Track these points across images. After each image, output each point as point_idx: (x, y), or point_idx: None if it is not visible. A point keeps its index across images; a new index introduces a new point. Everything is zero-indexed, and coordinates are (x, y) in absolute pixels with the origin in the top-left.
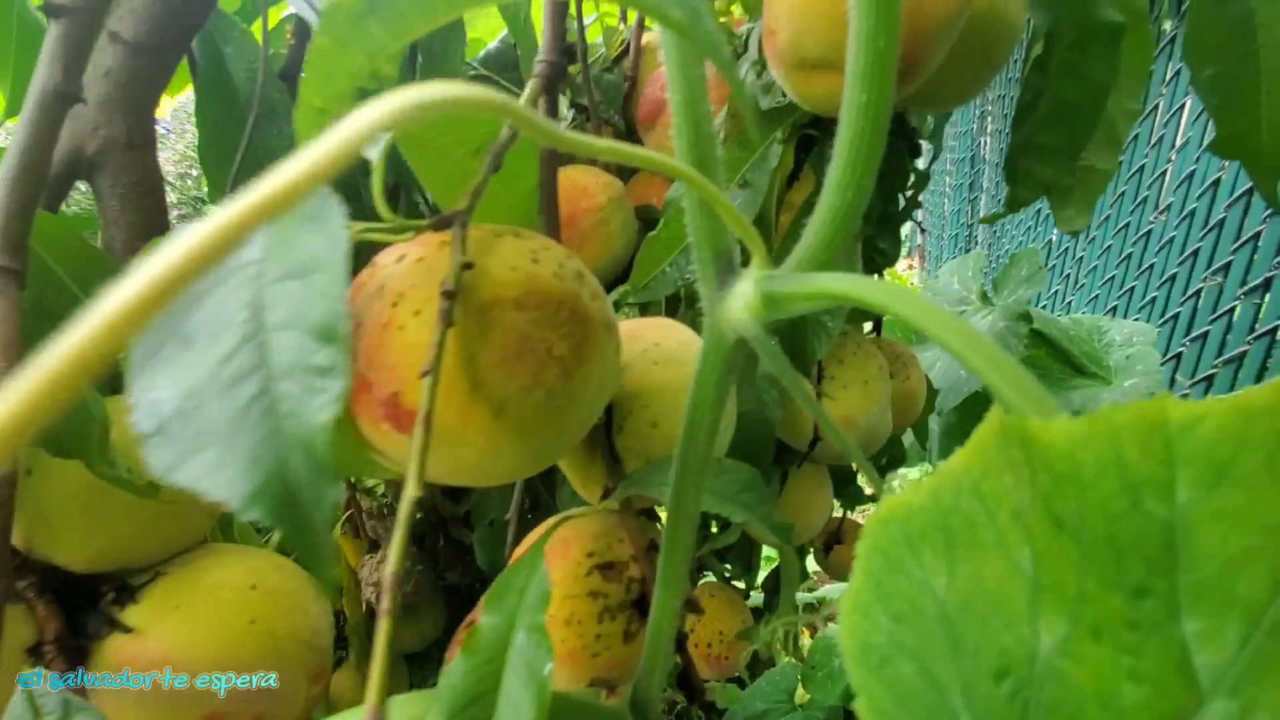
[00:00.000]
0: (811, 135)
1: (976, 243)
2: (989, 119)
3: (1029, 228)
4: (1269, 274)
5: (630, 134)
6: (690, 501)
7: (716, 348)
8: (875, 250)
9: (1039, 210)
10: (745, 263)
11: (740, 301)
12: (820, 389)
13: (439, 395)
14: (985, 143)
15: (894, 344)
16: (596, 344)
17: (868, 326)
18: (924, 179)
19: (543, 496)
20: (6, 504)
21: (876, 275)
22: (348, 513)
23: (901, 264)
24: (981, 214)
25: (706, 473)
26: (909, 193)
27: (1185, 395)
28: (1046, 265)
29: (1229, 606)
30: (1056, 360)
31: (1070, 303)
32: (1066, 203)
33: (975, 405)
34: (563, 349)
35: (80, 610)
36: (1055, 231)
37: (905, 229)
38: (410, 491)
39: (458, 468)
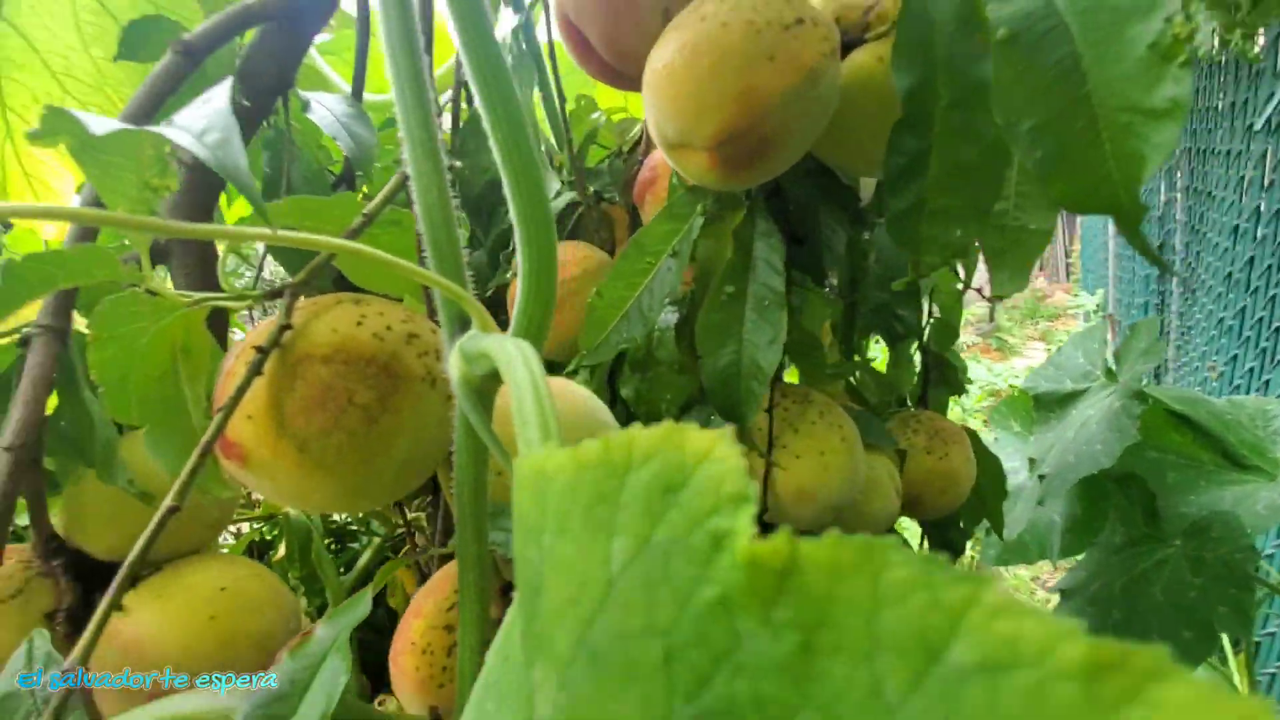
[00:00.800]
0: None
1: (1170, 309)
2: (1178, 174)
3: (1219, 294)
4: None
5: (634, 212)
6: (471, 546)
7: (461, 403)
8: (894, 318)
9: (1229, 274)
10: None
11: (454, 358)
12: (771, 458)
13: (254, 433)
14: (1176, 200)
15: (935, 419)
16: (410, 396)
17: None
18: None
19: None
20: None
21: (896, 342)
22: (405, 548)
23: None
24: (1176, 279)
25: (484, 519)
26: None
27: None
28: (1239, 336)
29: (551, 658)
30: (1208, 449)
31: (1268, 381)
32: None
33: (1100, 498)
34: (366, 398)
35: (95, 589)
36: (1250, 296)
37: (1097, 298)
38: (168, 501)
39: (284, 494)
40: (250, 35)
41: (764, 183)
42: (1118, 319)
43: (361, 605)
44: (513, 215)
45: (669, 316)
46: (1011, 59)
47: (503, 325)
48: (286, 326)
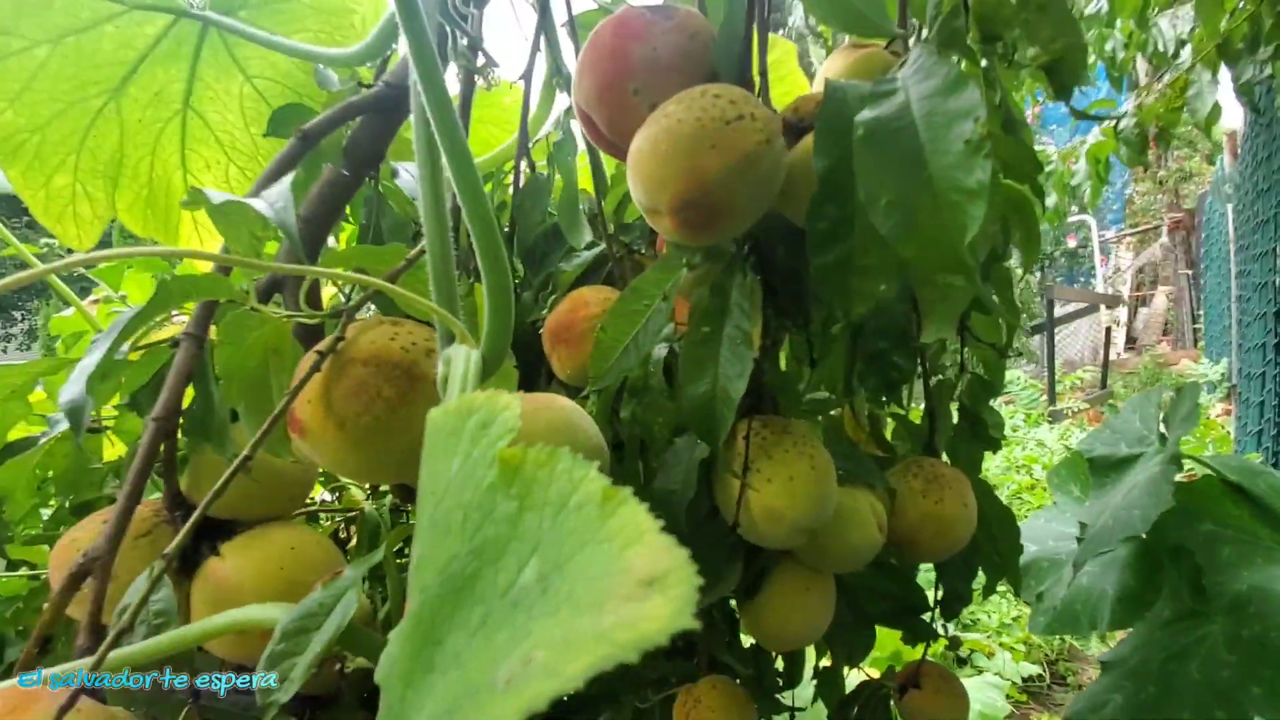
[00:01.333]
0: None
1: None
2: None
3: None
4: None
5: None
6: None
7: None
8: (890, 366)
9: None
10: None
11: (440, 363)
12: (746, 480)
13: (311, 413)
14: None
15: (936, 465)
16: (424, 394)
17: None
18: None
19: None
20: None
21: (893, 389)
22: None
23: (1217, 408)
24: None
25: None
26: None
27: None
28: None
29: (420, 530)
30: (1265, 525)
31: None
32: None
33: (1154, 570)
34: (389, 392)
35: (205, 538)
36: None
37: (1221, 367)
38: (245, 452)
39: (329, 461)
40: (354, 123)
41: (750, 241)
42: (1239, 390)
43: (376, 556)
44: (482, 274)
45: (661, 350)
46: (871, 149)
47: (537, 345)
48: (340, 338)
